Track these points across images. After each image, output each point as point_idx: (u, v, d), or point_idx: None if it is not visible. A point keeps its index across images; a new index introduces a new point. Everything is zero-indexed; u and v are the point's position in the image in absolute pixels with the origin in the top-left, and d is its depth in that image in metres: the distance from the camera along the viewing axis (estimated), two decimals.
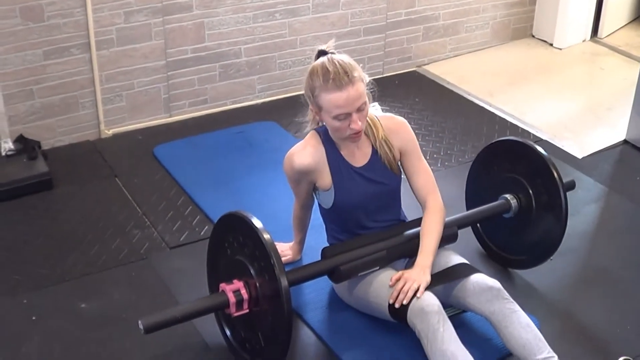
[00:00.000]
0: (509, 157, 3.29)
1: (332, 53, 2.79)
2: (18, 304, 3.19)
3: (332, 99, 2.69)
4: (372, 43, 5.24)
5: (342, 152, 2.91)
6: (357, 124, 2.73)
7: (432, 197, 2.98)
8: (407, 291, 2.70)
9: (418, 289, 2.69)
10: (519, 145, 3.28)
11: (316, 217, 3.18)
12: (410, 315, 2.67)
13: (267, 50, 4.86)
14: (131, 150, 4.39)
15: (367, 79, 2.79)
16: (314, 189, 3.00)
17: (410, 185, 3.02)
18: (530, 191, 3.20)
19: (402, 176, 3.02)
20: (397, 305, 2.68)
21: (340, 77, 2.66)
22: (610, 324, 3.14)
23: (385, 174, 2.95)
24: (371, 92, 2.84)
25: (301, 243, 3.32)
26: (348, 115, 2.71)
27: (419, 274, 2.77)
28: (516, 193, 3.24)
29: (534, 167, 3.18)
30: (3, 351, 2.94)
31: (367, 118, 2.86)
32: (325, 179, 2.91)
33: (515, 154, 3.26)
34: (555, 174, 3.11)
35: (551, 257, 3.29)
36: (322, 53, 2.81)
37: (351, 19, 5.06)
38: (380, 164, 2.94)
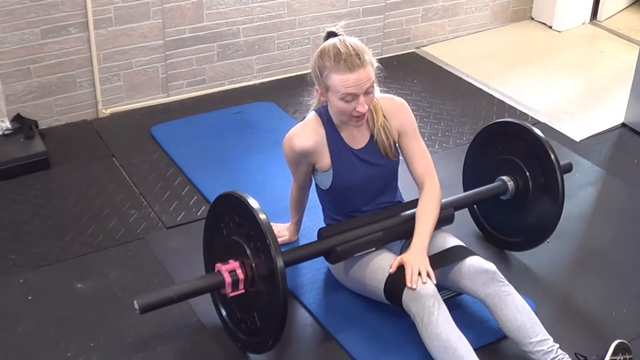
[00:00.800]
0: (506, 139, 3.29)
1: (341, 35, 2.79)
2: (14, 283, 3.19)
3: (342, 79, 2.69)
4: (371, 24, 5.22)
5: (342, 134, 2.91)
6: (364, 107, 2.73)
7: (429, 180, 2.98)
8: (418, 274, 2.69)
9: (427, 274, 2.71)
10: (516, 126, 3.27)
11: (313, 198, 3.19)
12: (405, 298, 2.68)
13: (266, 31, 4.84)
14: (129, 130, 4.38)
15: (376, 63, 2.79)
16: (313, 170, 2.99)
17: (407, 166, 3.02)
18: (527, 173, 3.20)
19: (400, 158, 3.02)
20: (414, 286, 2.67)
21: (352, 59, 2.67)
22: (607, 306, 3.14)
23: (383, 157, 2.96)
24: (377, 76, 2.84)
25: (298, 224, 3.32)
26: (355, 97, 2.72)
27: (418, 256, 2.77)
28: (513, 175, 3.24)
29: (531, 149, 3.18)
30: (0, 331, 2.95)
31: (375, 104, 2.88)
32: (324, 160, 2.91)
33: (513, 136, 3.26)
34: (552, 156, 3.11)
35: (548, 240, 3.29)
36: (331, 34, 2.82)
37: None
38: (376, 146, 2.94)
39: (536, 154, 3.16)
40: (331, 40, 2.76)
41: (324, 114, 2.91)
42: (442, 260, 2.85)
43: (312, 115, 2.95)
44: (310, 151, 2.89)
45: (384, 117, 2.93)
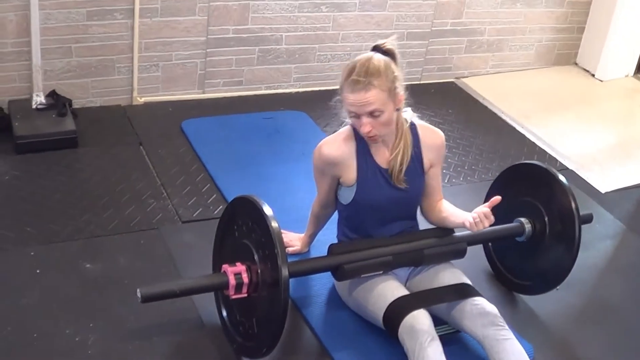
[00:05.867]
0: (530, 181, 3.28)
1: (383, 51, 2.79)
2: (25, 255, 3.23)
3: (345, 97, 2.73)
4: (414, 48, 5.24)
5: (372, 151, 2.91)
6: (366, 128, 2.74)
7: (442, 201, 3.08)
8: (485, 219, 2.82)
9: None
10: (541, 170, 3.26)
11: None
12: (402, 331, 2.69)
13: (309, 41, 4.87)
14: (160, 121, 4.42)
15: (400, 87, 2.78)
16: (337, 183, 2.99)
17: (424, 194, 3.03)
18: (546, 218, 3.18)
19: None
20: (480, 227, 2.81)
21: (357, 80, 2.67)
22: None
23: (410, 180, 2.94)
24: (407, 101, 2.85)
25: (312, 237, 3.33)
26: (357, 116, 2.74)
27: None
28: (532, 218, 3.22)
29: (553, 195, 3.16)
30: (3, 298, 2.98)
31: (401, 128, 2.88)
32: (350, 174, 2.90)
33: (537, 179, 3.25)
34: (573, 205, 3.09)
35: (557, 287, 3.27)
36: (375, 48, 2.82)
37: (396, 21, 5.06)
38: (409, 169, 2.92)
39: (557, 200, 3.15)
40: (363, 55, 2.77)
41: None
42: (446, 297, 2.86)
43: (346, 127, 2.95)
44: (337, 161, 2.88)
45: (417, 145, 2.93)
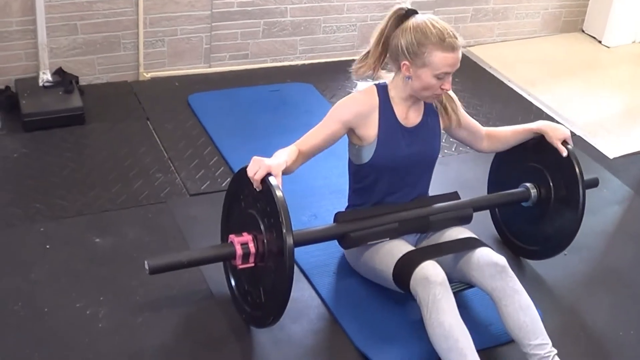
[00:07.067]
0: (534, 147, 3.27)
1: (425, 14, 2.83)
2: (35, 231, 3.26)
3: (445, 57, 2.73)
4: None
5: (395, 110, 2.92)
6: (450, 84, 2.82)
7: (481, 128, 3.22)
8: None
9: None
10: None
11: (341, 182, 3.15)
12: (414, 282, 2.68)
13: (314, 13, 4.86)
14: (166, 96, 4.43)
15: None
16: (352, 144, 2.98)
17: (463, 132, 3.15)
18: (551, 183, 3.18)
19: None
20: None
21: (454, 40, 2.73)
22: (614, 326, 3.12)
23: (430, 141, 2.98)
24: None
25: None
26: (448, 74, 2.78)
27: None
28: (537, 183, 3.23)
29: (557, 160, 3.16)
30: (14, 274, 3.01)
31: None
32: (371, 129, 2.89)
33: (541, 145, 3.24)
34: (577, 169, 3.09)
35: (565, 253, 3.28)
36: (412, 12, 2.81)
37: None
38: (428, 130, 2.96)
39: (561, 165, 3.15)
40: (422, 18, 2.77)
41: (381, 88, 2.92)
42: (453, 248, 2.87)
43: (370, 86, 2.95)
44: (364, 113, 2.88)
45: (431, 106, 2.99)
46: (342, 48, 5.05)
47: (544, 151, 3.22)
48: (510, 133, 3.24)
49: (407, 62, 2.80)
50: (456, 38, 2.74)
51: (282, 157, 2.74)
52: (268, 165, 2.60)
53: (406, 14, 2.81)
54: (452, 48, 2.73)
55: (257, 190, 2.62)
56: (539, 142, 3.23)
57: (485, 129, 3.22)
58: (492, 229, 3.51)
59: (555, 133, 3.13)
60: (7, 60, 4.16)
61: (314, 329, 2.95)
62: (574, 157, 3.11)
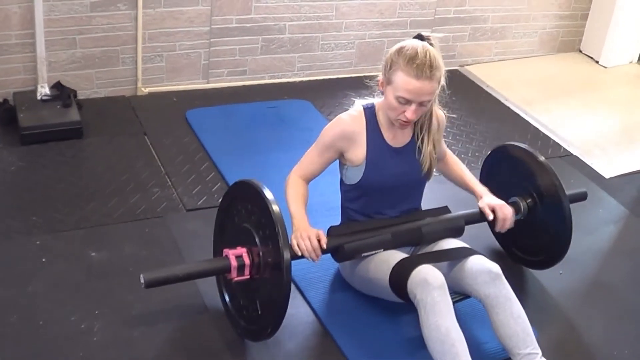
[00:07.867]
0: (513, 162, 3.33)
1: (429, 42, 2.78)
2: (31, 244, 3.26)
3: (405, 81, 2.70)
4: None
5: (382, 131, 2.93)
6: (412, 115, 2.76)
7: (449, 152, 3.25)
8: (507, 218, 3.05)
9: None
10: (519, 150, 3.33)
11: (337, 199, 3.17)
12: (412, 284, 2.67)
13: (312, 30, 4.88)
14: (164, 111, 4.45)
15: (442, 82, 2.81)
16: (341, 165, 3.01)
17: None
18: (535, 196, 3.23)
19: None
20: (502, 230, 3.07)
21: (423, 68, 2.67)
22: (608, 344, 3.12)
23: (417, 161, 2.97)
24: (439, 96, 2.89)
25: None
26: (409, 103, 2.74)
27: (495, 199, 3.10)
28: (524, 197, 3.25)
29: (537, 174, 3.22)
30: (10, 287, 3.01)
31: (435, 117, 2.94)
32: (359, 151, 2.91)
33: (517, 159, 3.30)
34: (556, 181, 3.15)
35: (560, 272, 3.31)
36: (420, 37, 2.82)
37: (399, 9, 5.07)
38: (416, 151, 2.96)
39: (541, 178, 3.20)
40: (415, 42, 2.76)
41: (368, 109, 2.94)
42: (448, 255, 2.87)
43: (358, 107, 2.97)
44: (350, 135, 2.90)
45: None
46: (340, 65, 5.07)
47: (523, 166, 3.28)
48: (459, 177, 3.24)
49: (380, 78, 2.83)
50: (430, 69, 2.68)
51: (303, 212, 2.89)
52: (316, 233, 2.78)
53: (417, 37, 2.83)
54: (417, 75, 2.68)
55: (314, 261, 2.80)
56: (514, 157, 3.31)
57: (447, 153, 3.24)
58: (488, 242, 3.52)
59: (502, 209, 3.08)
60: (6, 73, 4.17)
61: (309, 346, 2.94)
62: (549, 169, 3.18)
